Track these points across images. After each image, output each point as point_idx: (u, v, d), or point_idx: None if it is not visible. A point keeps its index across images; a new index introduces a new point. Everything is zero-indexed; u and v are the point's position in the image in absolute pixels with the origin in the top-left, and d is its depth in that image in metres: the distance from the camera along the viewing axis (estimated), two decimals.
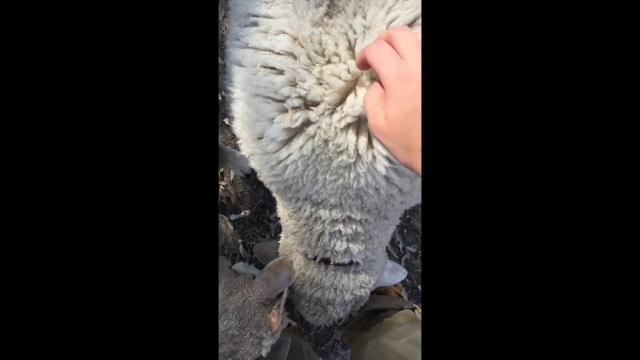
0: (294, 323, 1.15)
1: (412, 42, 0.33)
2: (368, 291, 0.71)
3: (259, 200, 1.25)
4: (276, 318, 0.64)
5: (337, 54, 0.43)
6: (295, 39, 0.44)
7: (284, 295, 0.66)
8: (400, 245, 1.38)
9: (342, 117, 0.45)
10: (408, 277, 1.37)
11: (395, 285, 1.17)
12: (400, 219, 1.43)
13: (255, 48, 0.47)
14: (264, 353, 0.64)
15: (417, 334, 0.78)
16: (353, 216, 0.57)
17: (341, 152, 0.47)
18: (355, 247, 0.62)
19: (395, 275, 0.87)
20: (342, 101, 0.45)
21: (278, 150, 0.49)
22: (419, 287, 1.38)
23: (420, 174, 0.32)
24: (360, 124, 0.46)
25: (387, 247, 1.35)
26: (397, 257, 1.37)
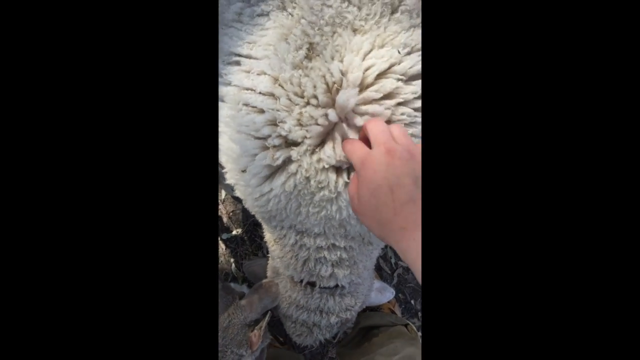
0: (280, 339, 1.15)
1: (378, 132, 0.38)
2: (354, 313, 0.71)
3: (251, 218, 1.26)
4: (257, 338, 0.67)
5: (315, 96, 0.45)
6: (275, 80, 0.46)
7: (267, 318, 0.69)
8: (393, 260, 1.38)
9: (321, 159, 0.46)
10: (401, 292, 1.37)
11: (388, 302, 1.17)
12: None
13: (238, 86, 0.48)
14: None
15: (410, 350, 0.79)
16: (337, 243, 0.58)
17: (323, 188, 0.48)
18: (340, 272, 0.63)
19: (382, 295, 0.88)
20: (322, 143, 0.47)
21: (261, 185, 0.51)
22: (412, 301, 1.38)
23: (396, 248, 0.35)
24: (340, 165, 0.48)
25: (379, 262, 1.36)
26: (389, 272, 1.38)
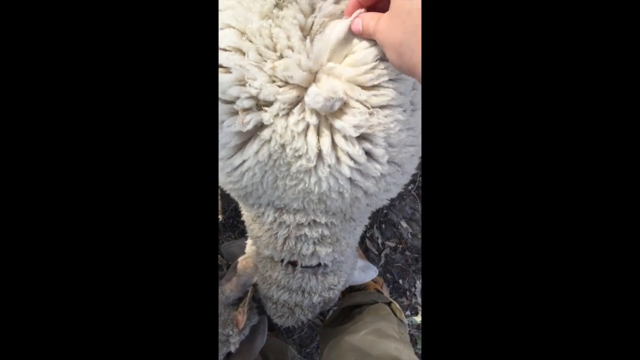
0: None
1: None
2: (337, 292, 0.69)
3: (232, 204, 1.21)
4: (242, 316, 0.66)
5: (290, 47, 0.40)
6: (242, 33, 0.40)
7: (250, 294, 0.67)
8: (379, 241, 1.37)
9: (299, 120, 0.41)
10: (389, 272, 1.36)
11: (375, 282, 1.16)
12: (378, 214, 1.41)
13: None
14: (232, 349, 0.66)
15: (380, 324, 0.76)
16: (318, 220, 0.55)
17: (300, 157, 0.44)
18: (322, 250, 0.60)
19: (366, 273, 0.86)
20: (298, 100, 0.42)
21: (232, 157, 0.46)
22: (400, 281, 1.38)
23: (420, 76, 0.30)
24: (320, 123, 0.43)
25: (366, 243, 1.35)
26: (376, 252, 1.37)
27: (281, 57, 0.40)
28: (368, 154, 0.45)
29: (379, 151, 0.44)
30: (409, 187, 1.39)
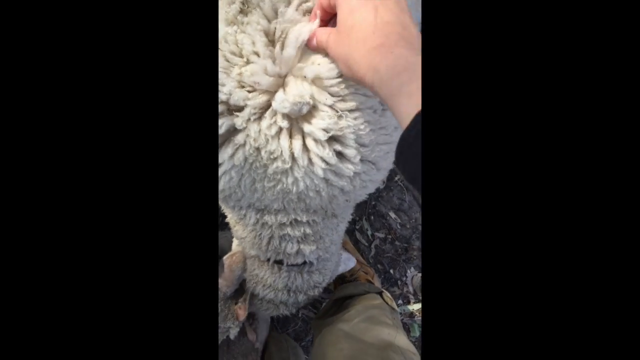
0: None
1: None
2: (321, 290, 0.71)
3: None
4: (243, 310, 0.68)
5: (255, 53, 0.40)
6: None
7: (249, 290, 0.69)
8: (369, 232, 1.39)
9: (271, 124, 0.42)
10: (379, 262, 1.39)
11: (366, 273, 1.18)
12: (366, 206, 1.42)
13: None
14: (232, 336, 0.69)
15: (373, 312, 0.78)
16: (299, 219, 0.56)
17: (275, 159, 0.45)
18: (307, 248, 0.61)
19: (345, 264, 0.90)
20: (268, 105, 0.42)
21: None
22: (391, 271, 1.41)
23: (368, 70, 0.31)
24: (292, 126, 0.44)
25: (355, 235, 1.37)
26: (366, 243, 1.39)
27: (248, 62, 0.40)
28: (340, 154, 0.46)
29: (350, 152, 0.45)
30: (396, 178, 1.40)
